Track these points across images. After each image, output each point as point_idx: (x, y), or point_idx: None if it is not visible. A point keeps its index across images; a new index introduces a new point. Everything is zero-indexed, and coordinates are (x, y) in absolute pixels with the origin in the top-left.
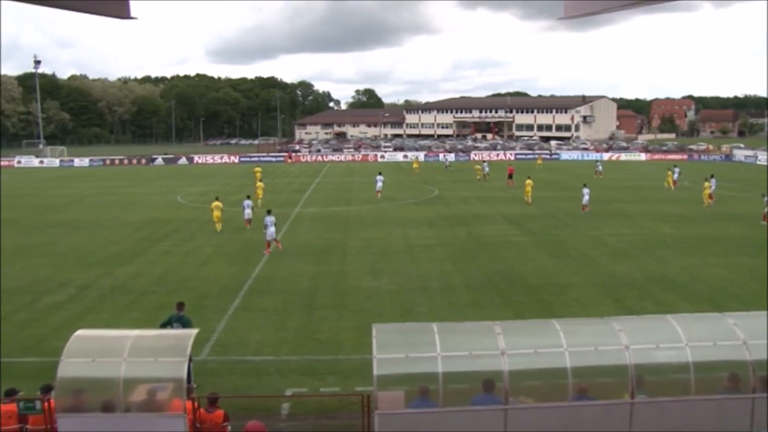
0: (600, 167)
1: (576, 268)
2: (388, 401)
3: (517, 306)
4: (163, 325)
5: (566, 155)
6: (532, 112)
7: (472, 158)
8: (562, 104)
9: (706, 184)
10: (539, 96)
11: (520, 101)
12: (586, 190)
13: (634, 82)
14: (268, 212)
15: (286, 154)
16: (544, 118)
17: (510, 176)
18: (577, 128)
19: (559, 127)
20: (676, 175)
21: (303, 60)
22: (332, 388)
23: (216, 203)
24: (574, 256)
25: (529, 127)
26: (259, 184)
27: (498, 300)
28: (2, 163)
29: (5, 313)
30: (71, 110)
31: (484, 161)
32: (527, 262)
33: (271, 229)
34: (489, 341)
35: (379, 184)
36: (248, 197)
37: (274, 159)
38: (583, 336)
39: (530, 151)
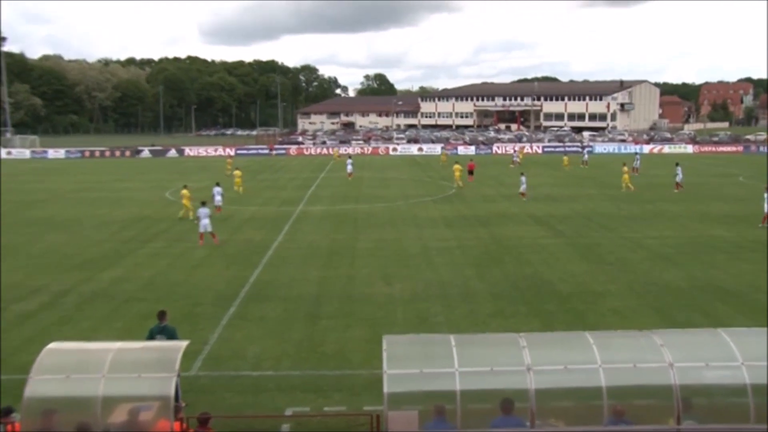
0: (638, 162)
1: (612, 275)
2: (399, 422)
3: (546, 316)
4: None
5: (601, 148)
6: (563, 99)
7: (494, 151)
8: (597, 90)
9: (624, 168)
10: (571, 81)
11: (549, 87)
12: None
13: (681, 64)
14: (203, 204)
15: (268, 146)
16: (576, 106)
17: (470, 172)
18: (613, 117)
19: (593, 117)
20: (680, 177)
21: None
22: (338, 407)
23: (184, 191)
24: (610, 260)
25: (559, 117)
26: (236, 172)
27: (524, 309)
28: None
29: None
30: (44, 95)
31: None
32: (557, 267)
33: (204, 221)
34: (513, 355)
35: (349, 168)
36: (218, 184)
37: (274, 151)
38: (621, 351)
39: (560, 144)
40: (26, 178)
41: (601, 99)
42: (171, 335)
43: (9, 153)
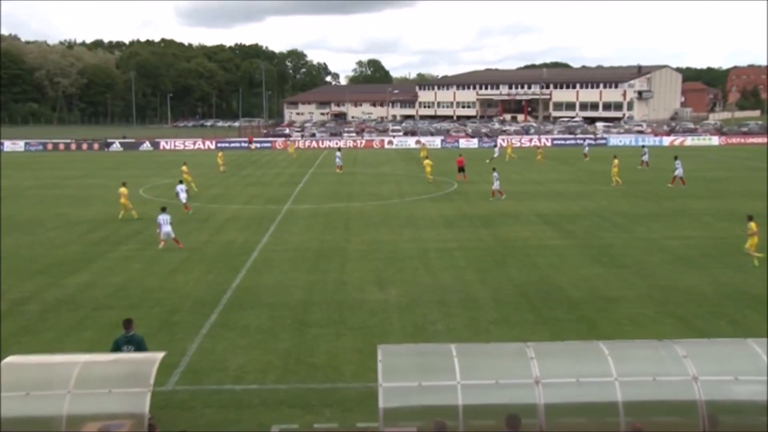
0: (646, 156)
1: (628, 279)
2: None
3: (555, 324)
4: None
5: (615, 140)
6: (574, 87)
7: (499, 144)
8: (612, 77)
9: (615, 161)
10: (583, 67)
11: (559, 74)
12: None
13: (706, 47)
14: (163, 210)
15: (247, 138)
16: (589, 95)
17: (461, 170)
18: (630, 106)
19: (607, 106)
20: (679, 171)
21: (294, 23)
22: (329, 424)
23: (122, 189)
24: (625, 264)
25: (570, 106)
26: (183, 167)
27: (531, 317)
28: None
29: None
30: None
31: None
32: (567, 270)
33: (166, 229)
34: (520, 367)
35: (338, 161)
36: (180, 182)
37: (258, 145)
38: (638, 363)
39: (571, 136)
40: None
41: (616, 86)
42: (139, 345)
43: None
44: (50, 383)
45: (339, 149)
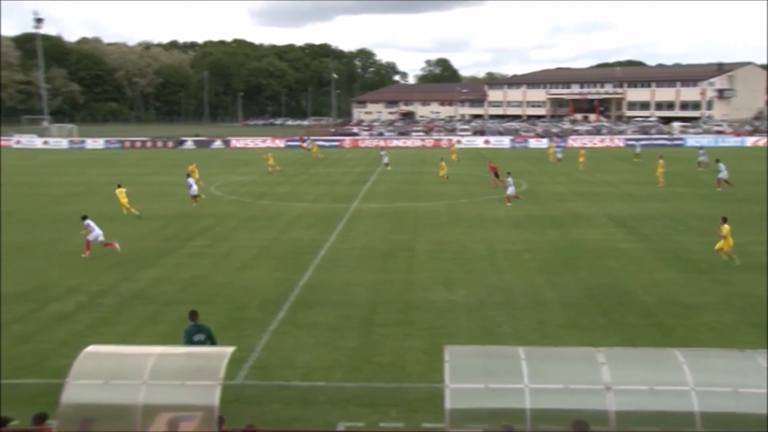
0: (703, 157)
1: (706, 285)
2: None
3: (627, 330)
4: (186, 344)
5: (693, 140)
6: (649, 85)
7: (570, 144)
8: (690, 75)
9: (660, 162)
10: (659, 65)
11: (633, 72)
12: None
13: None
14: (84, 217)
15: (300, 138)
16: (665, 94)
17: (496, 175)
18: (709, 105)
19: (684, 105)
20: (723, 174)
21: (364, 22)
22: (394, 424)
23: (120, 189)
24: (703, 269)
25: (645, 105)
26: (191, 167)
27: (602, 321)
28: None
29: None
30: (82, 80)
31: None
32: (640, 275)
33: (96, 232)
34: (590, 373)
35: (385, 159)
36: (188, 175)
37: (326, 143)
38: (717, 373)
39: (645, 136)
40: (62, 169)
41: (695, 85)
42: (209, 333)
43: (46, 143)
44: (127, 373)
45: (383, 149)
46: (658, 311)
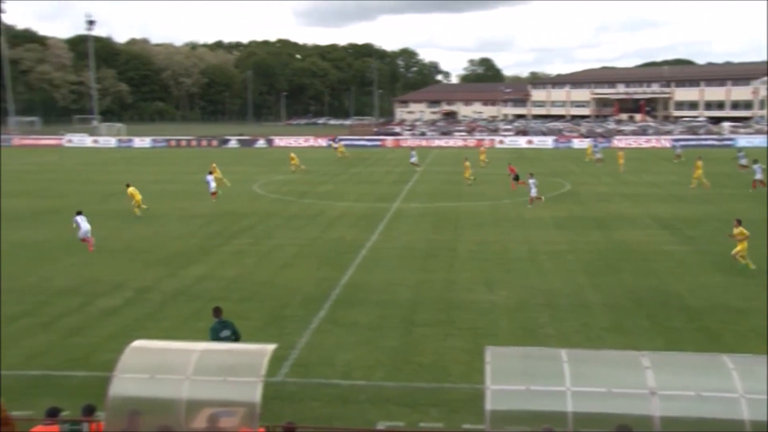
0: (743, 159)
1: (755, 289)
2: None
3: (672, 334)
4: (214, 340)
5: (744, 141)
6: (698, 85)
7: (615, 144)
8: (741, 74)
9: (698, 163)
10: (709, 64)
11: (681, 71)
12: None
13: None
14: (78, 213)
15: (330, 137)
16: (715, 93)
17: (516, 178)
18: (761, 105)
19: (735, 105)
20: (759, 175)
21: (407, 22)
22: (434, 424)
23: (131, 189)
24: (752, 272)
25: (693, 105)
26: (213, 165)
27: (646, 324)
28: (50, 142)
29: (52, 318)
30: (130, 81)
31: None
32: (686, 277)
33: (85, 227)
34: (634, 377)
35: (414, 159)
36: (210, 172)
37: (369, 143)
38: None
39: (693, 136)
40: (110, 167)
41: (747, 84)
42: (233, 329)
43: (95, 141)
44: (171, 368)
45: (412, 149)
46: (704, 315)
